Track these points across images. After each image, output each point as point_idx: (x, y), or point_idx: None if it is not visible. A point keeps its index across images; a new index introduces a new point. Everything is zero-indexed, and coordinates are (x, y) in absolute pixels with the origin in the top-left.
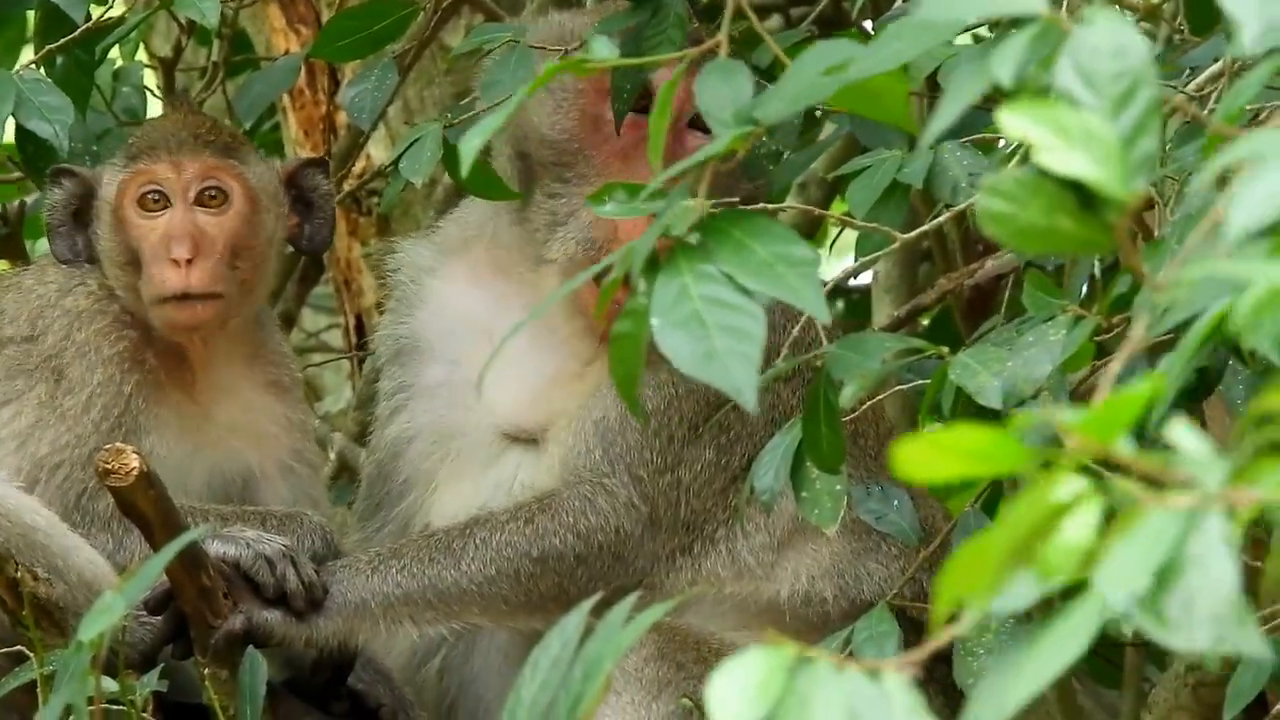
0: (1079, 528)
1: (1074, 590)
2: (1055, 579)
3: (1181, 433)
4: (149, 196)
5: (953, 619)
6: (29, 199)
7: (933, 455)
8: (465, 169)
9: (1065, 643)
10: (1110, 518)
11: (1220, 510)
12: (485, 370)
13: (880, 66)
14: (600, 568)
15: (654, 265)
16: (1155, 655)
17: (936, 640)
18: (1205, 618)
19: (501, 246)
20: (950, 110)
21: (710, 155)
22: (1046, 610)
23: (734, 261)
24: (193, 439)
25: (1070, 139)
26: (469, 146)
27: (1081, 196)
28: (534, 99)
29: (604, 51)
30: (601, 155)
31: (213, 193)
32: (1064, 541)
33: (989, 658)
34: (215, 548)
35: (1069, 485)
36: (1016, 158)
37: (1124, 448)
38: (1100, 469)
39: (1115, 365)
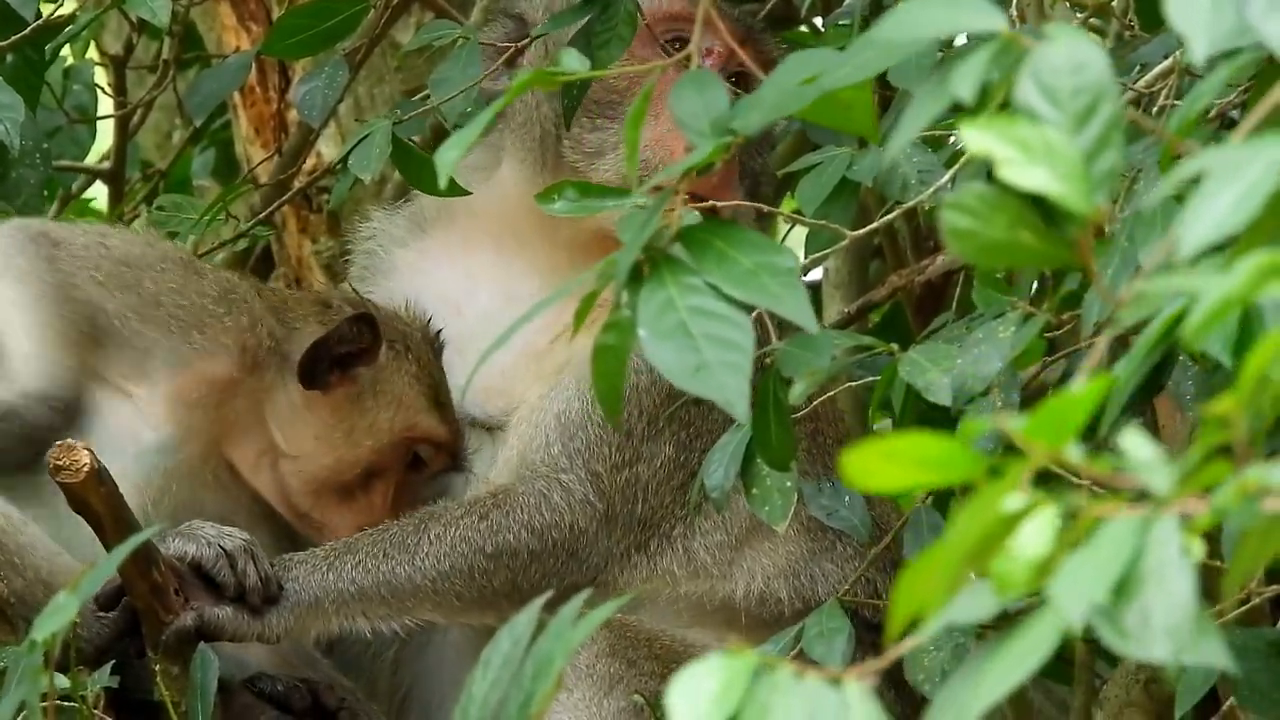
0: (1033, 539)
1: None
2: (1011, 593)
3: (1131, 439)
4: (419, 455)
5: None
6: None
7: (883, 463)
8: (443, 182)
9: (1026, 654)
10: (1064, 523)
11: (1174, 517)
12: (470, 376)
13: (848, 79)
14: (554, 564)
15: (637, 278)
16: (1107, 652)
17: (894, 650)
18: (1163, 630)
19: (481, 218)
20: (910, 129)
21: (689, 167)
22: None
23: (718, 272)
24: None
25: (1032, 154)
26: (447, 159)
27: (1044, 210)
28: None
29: (574, 64)
30: (654, 90)
31: None
32: (1018, 552)
33: (940, 654)
34: (175, 545)
35: (1019, 496)
36: (965, 156)
37: (1073, 452)
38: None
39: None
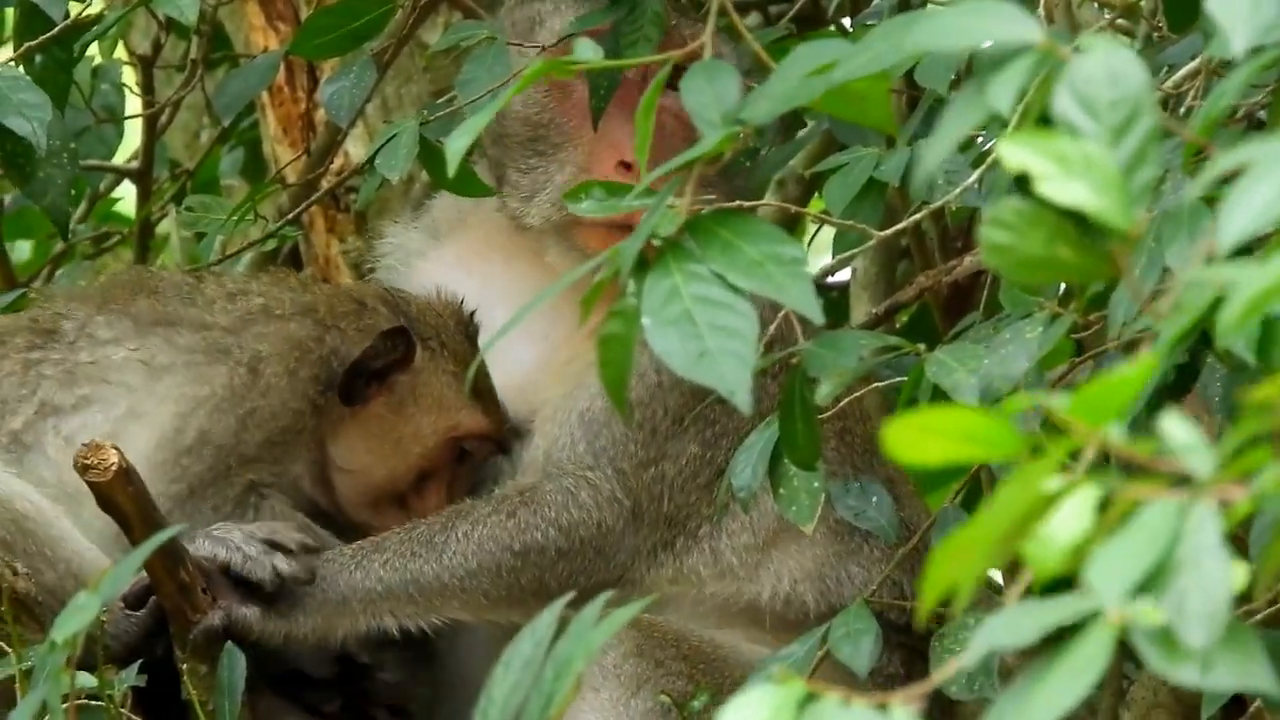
0: (1069, 521)
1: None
2: (1045, 574)
3: (1171, 423)
4: (464, 448)
5: (939, 611)
6: (7, 197)
7: (922, 437)
8: (452, 169)
9: (1077, 674)
10: (1102, 506)
11: (1212, 503)
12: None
13: (863, 70)
14: (582, 562)
15: (642, 266)
16: (1134, 653)
17: (938, 674)
18: (1199, 617)
19: (492, 228)
20: (946, 139)
21: (697, 156)
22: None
23: (723, 261)
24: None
25: (1070, 169)
26: (455, 147)
27: (1081, 224)
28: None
29: (588, 53)
30: (573, 122)
31: None
32: (1053, 534)
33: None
34: (204, 547)
35: (1058, 476)
36: (993, 156)
37: (1116, 433)
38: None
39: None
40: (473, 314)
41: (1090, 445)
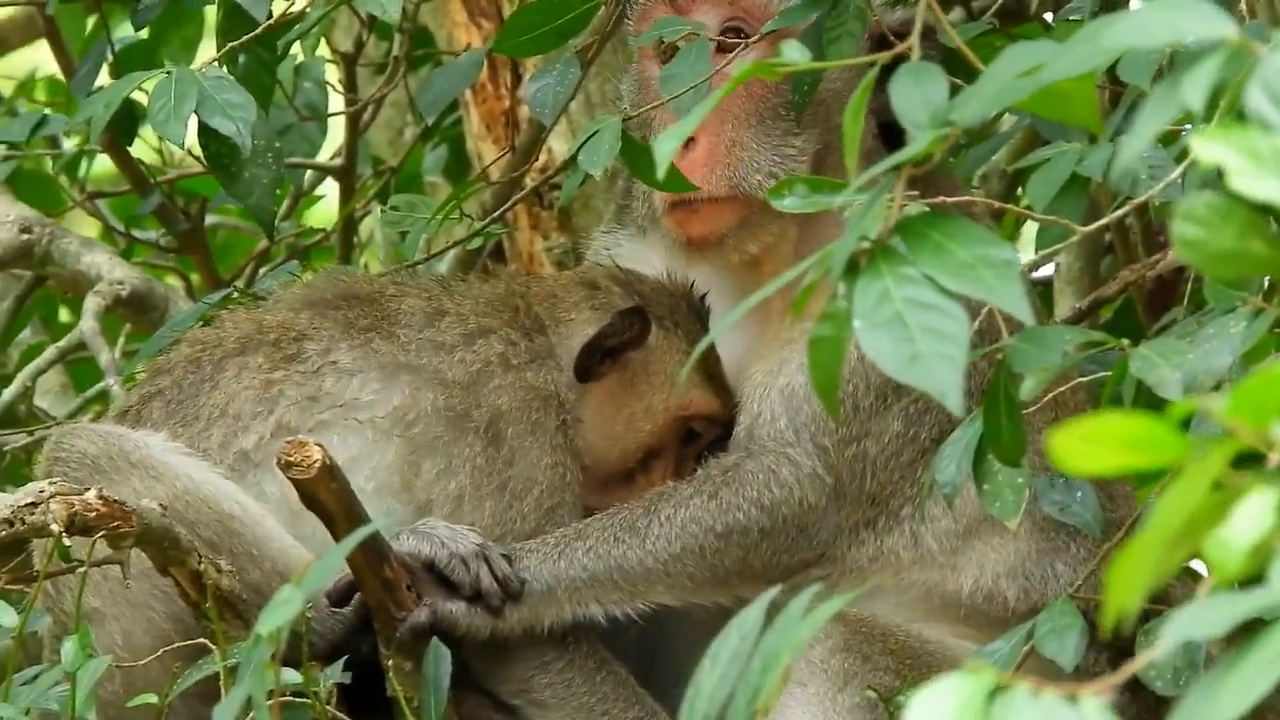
0: (1248, 521)
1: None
2: (1227, 576)
3: None
4: (692, 429)
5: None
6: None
7: (1088, 444)
8: (661, 171)
9: (1269, 665)
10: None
11: None
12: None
13: (1070, 71)
14: (784, 541)
15: (853, 269)
16: None
17: (1131, 664)
18: None
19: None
20: (1143, 135)
21: (907, 158)
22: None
23: (934, 263)
24: None
25: (1263, 164)
26: (665, 149)
27: (1275, 218)
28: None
29: (794, 55)
30: (656, 118)
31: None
32: (1232, 535)
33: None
34: (409, 543)
35: (1239, 475)
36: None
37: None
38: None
39: None
40: (704, 296)
41: (1253, 444)
